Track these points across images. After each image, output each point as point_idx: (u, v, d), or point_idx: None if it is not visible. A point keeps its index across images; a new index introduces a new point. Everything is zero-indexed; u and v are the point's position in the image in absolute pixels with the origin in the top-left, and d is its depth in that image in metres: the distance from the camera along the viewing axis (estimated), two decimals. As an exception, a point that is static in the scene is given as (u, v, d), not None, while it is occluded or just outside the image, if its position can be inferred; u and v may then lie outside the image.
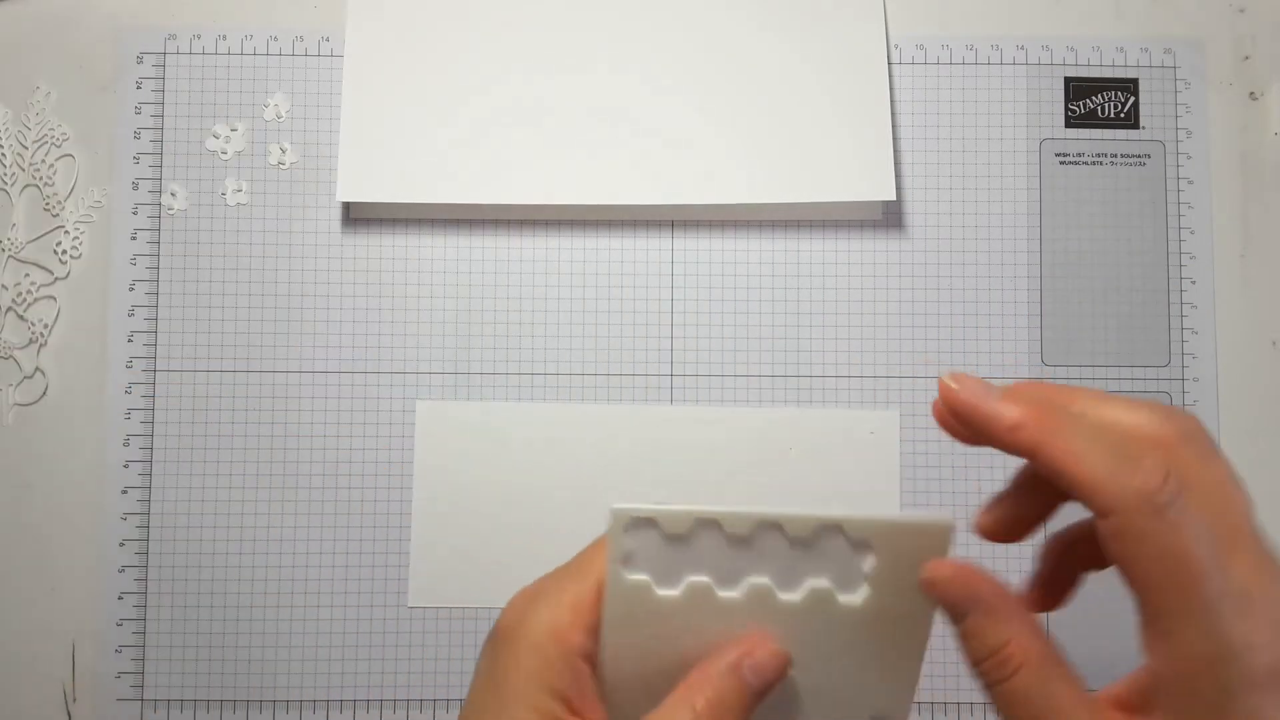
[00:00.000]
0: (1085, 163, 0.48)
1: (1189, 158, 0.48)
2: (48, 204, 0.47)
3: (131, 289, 0.47)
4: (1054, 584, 0.27)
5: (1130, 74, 0.48)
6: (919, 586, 0.25)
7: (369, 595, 0.46)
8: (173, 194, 0.47)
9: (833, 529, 0.25)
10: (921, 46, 0.48)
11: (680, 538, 0.25)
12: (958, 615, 0.25)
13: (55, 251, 0.47)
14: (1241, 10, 0.49)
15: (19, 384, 0.47)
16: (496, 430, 0.46)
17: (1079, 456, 0.23)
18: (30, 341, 0.47)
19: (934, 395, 0.48)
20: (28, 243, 0.47)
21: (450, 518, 0.46)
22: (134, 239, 0.47)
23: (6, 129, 0.48)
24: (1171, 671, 0.22)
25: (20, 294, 0.47)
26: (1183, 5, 0.49)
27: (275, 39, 0.48)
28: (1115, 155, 0.48)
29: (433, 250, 0.47)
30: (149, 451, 0.46)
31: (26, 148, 0.48)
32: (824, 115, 0.46)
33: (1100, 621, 0.42)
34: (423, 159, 0.46)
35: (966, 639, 0.25)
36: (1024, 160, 0.48)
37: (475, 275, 0.47)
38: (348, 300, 0.47)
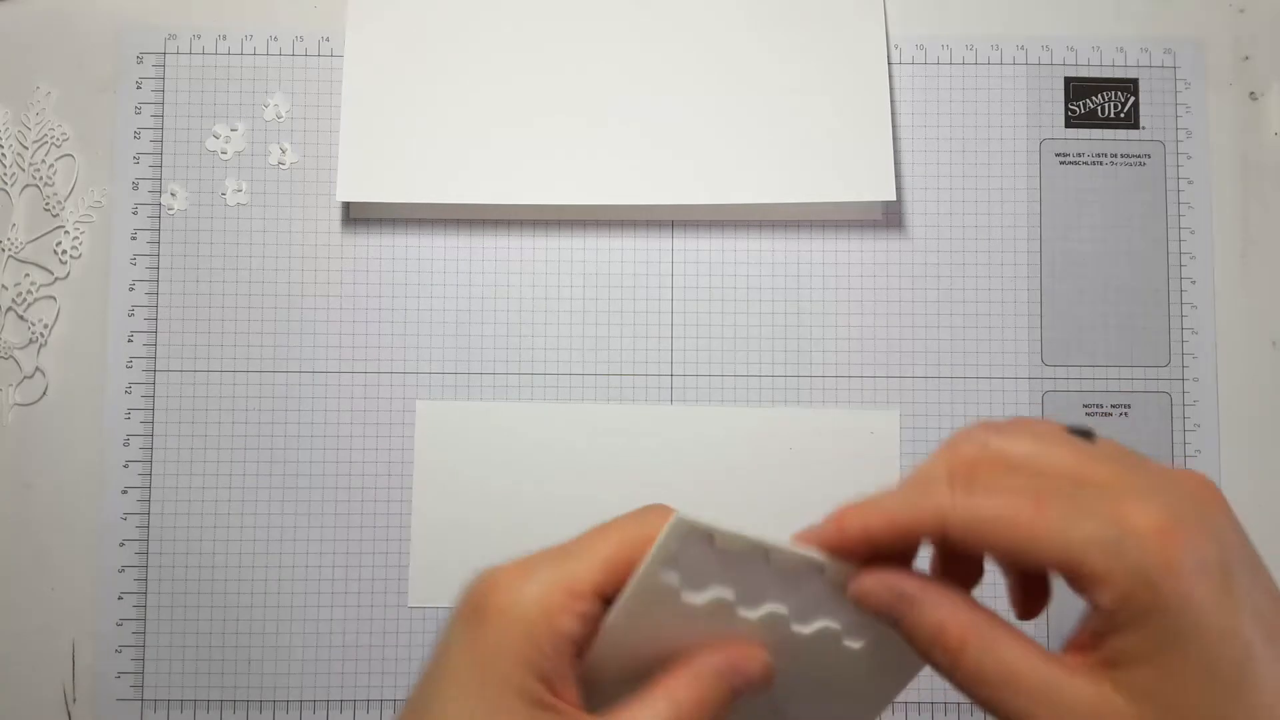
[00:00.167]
0: (1085, 163, 0.48)
1: (1189, 158, 0.48)
2: (48, 204, 0.47)
3: (131, 289, 0.47)
4: (1026, 591, 0.28)
5: (1130, 74, 0.48)
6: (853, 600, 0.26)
7: (369, 595, 0.46)
8: (173, 194, 0.47)
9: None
10: (921, 46, 0.48)
11: (726, 554, 0.25)
12: (895, 619, 0.25)
13: (55, 251, 0.47)
14: (1241, 10, 0.49)
15: (19, 384, 0.47)
16: (496, 430, 0.46)
17: (1026, 528, 0.23)
18: (30, 341, 0.47)
19: (934, 395, 0.48)
20: (28, 243, 0.47)
21: (450, 518, 0.46)
22: (134, 239, 0.47)
23: (6, 129, 0.48)
24: (1112, 604, 0.22)
25: (20, 294, 0.47)
26: (1183, 5, 0.49)
27: (275, 39, 0.48)
28: (1115, 155, 0.48)
29: (433, 250, 0.47)
30: (149, 451, 0.46)
31: (26, 148, 0.48)
32: (824, 115, 0.46)
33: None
34: (423, 159, 0.46)
35: (911, 639, 0.25)
36: (1024, 160, 0.48)
37: (475, 275, 0.47)
38: (348, 300, 0.47)
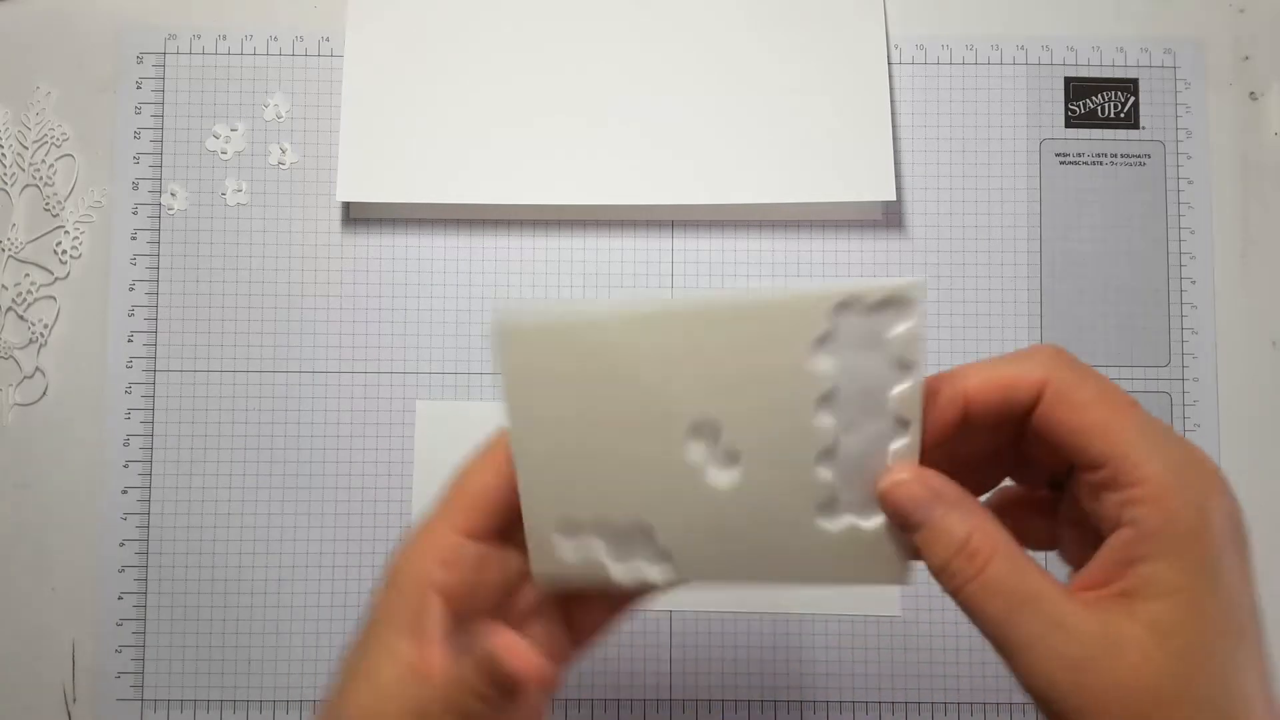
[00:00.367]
0: (1085, 163, 0.48)
1: (1189, 158, 0.48)
2: (48, 204, 0.47)
3: (131, 289, 0.47)
4: (1074, 538, 0.28)
5: (1130, 74, 0.48)
6: (875, 497, 0.27)
7: (369, 595, 0.46)
8: (173, 194, 0.47)
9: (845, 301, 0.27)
10: (921, 46, 0.48)
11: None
12: (916, 522, 0.26)
13: (55, 251, 0.47)
14: (1241, 10, 0.49)
15: (19, 384, 0.47)
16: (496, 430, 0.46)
17: (995, 368, 0.26)
18: (30, 341, 0.47)
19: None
20: (28, 243, 0.47)
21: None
22: (134, 239, 0.47)
23: (6, 129, 0.48)
24: (1144, 513, 0.23)
25: (20, 294, 0.47)
26: (1183, 5, 0.49)
27: (275, 39, 0.48)
28: (1115, 155, 0.48)
29: (433, 250, 0.47)
30: (149, 451, 0.46)
31: (26, 148, 0.48)
32: (824, 115, 0.46)
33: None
34: (423, 159, 0.46)
35: (931, 542, 0.25)
36: (1024, 160, 0.48)
37: (475, 275, 0.47)
38: (348, 300, 0.47)
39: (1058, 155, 0.48)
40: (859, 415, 0.27)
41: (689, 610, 0.46)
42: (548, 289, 0.47)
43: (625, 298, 0.27)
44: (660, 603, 0.38)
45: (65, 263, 0.47)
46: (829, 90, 0.47)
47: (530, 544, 0.28)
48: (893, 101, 0.48)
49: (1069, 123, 0.48)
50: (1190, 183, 0.48)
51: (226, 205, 0.47)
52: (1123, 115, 0.48)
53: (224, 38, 0.48)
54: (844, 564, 0.28)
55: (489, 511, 0.28)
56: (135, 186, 0.47)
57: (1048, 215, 0.48)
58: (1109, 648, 0.23)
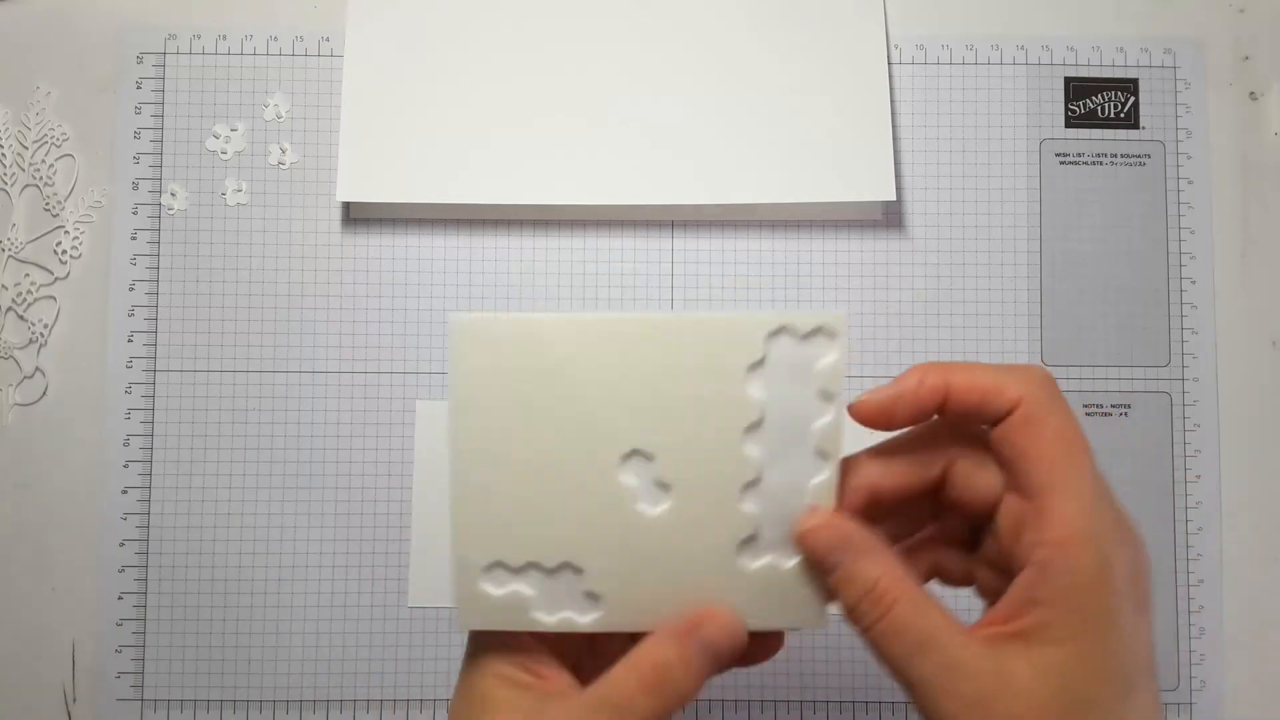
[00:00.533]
0: (1085, 163, 0.48)
1: (1189, 158, 0.48)
2: (48, 204, 0.47)
3: (131, 289, 0.47)
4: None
5: (1130, 74, 0.48)
6: (791, 538, 0.28)
7: (369, 595, 0.46)
8: (173, 194, 0.47)
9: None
10: (921, 46, 0.48)
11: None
12: (830, 565, 0.27)
13: (55, 251, 0.47)
14: (1241, 10, 0.49)
15: (19, 384, 0.47)
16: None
17: (982, 373, 0.27)
18: (30, 341, 0.47)
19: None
20: (28, 243, 0.47)
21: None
22: (134, 239, 0.47)
23: (6, 129, 0.48)
24: (1052, 555, 0.25)
25: (20, 294, 0.47)
26: (1183, 5, 0.49)
27: (275, 39, 0.48)
28: (1115, 155, 0.48)
29: (433, 250, 0.47)
30: (149, 451, 0.46)
31: (26, 148, 0.48)
32: (824, 115, 0.46)
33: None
34: (422, 159, 0.46)
35: (842, 586, 0.27)
36: (1024, 160, 0.48)
37: (475, 275, 0.47)
38: (348, 300, 0.47)
39: (1058, 155, 0.48)
40: (783, 447, 0.28)
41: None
42: (548, 289, 0.47)
43: (578, 312, 0.28)
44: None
45: (65, 263, 0.47)
46: (829, 90, 0.47)
47: (457, 594, 0.29)
48: (893, 101, 0.48)
49: (1069, 123, 0.48)
50: (1190, 183, 0.48)
51: (226, 205, 0.47)
52: (1123, 115, 0.48)
53: (224, 38, 0.48)
54: (764, 604, 0.29)
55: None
56: (135, 186, 0.47)
57: (1048, 215, 0.48)
58: (1001, 687, 0.24)
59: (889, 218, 0.48)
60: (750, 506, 0.28)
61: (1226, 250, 0.48)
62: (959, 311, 0.47)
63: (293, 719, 0.45)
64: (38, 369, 0.47)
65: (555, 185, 0.46)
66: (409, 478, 0.46)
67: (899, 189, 0.47)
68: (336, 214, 0.47)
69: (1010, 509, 0.27)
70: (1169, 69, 0.48)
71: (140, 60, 0.48)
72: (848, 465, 0.28)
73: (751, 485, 0.28)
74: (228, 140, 0.48)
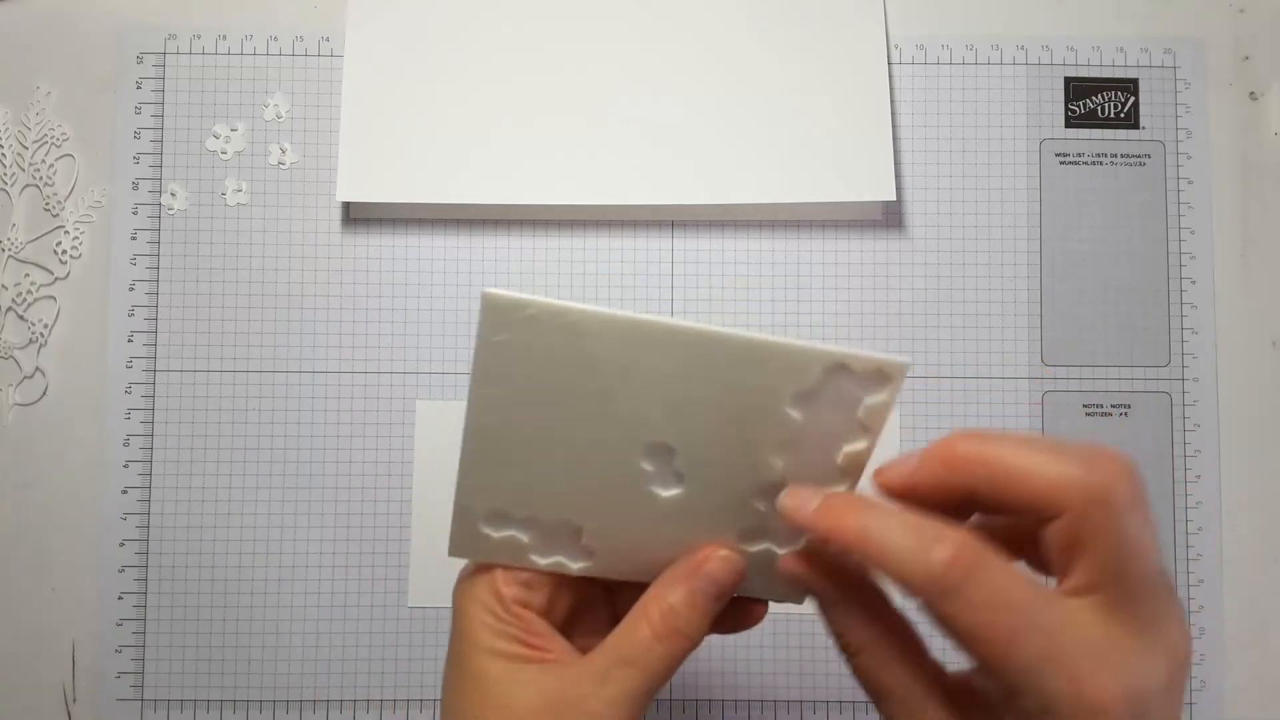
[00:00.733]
0: (1085, 163, 0.48)
1: (1189, 158, 0.48)
2: (48, 204, 0.47)
3: (131, 289, 0.47)
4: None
5: (1130, 74, 0.48)
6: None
7: (369, 595, 0.46)
8: (173, 194, 0.47)
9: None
10: (921, 46, 0.48)
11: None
12: (812, 597, 0.28)
13: (55, 251, 0.47)
14: (1241, 10, 0.49)
15: (19, 384, 0.47)
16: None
17: (1030, 464, 0.24)
18: (30, 341, 0.47)
19: (934, 395, 0.48)
20: (28, 243, 0.47)
21: (450, 518, 0.46)
22: (134, 239, 0.47)
23: (6, 129, 0.48)
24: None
25: (20, 294, 0.47)
26: (1183, 5, 0.49)
27: (275, 39, 0.48)
28: (1115, 155, 0.48)
29: (433, 250, 0.47)
30: (149, 451, 0.46)
31: (26, 148, 0.48)
32: (824, 115, 0.46)
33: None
34: (422, 159, 0.46)
35: (829, 622, 0.28)
36: (1024, 160, 0.48)
37: (475, 275, 0.47)
38: (348, 300, 0.47)
39: (1058, 155, 0.48)
40: (809, 463, 0.28)
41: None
42: (548, 289, 0.47)
43: (620, 308, 0.27)
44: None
45: (65, 263, 0.47)
46: (829, 90, 0.47)
47: (454, 527, 0.29)
48: (893, 101, 0.48)
49: (1069, 123, 0.48)
50: (1190, 183, 0.48)
51: (226, 205, 0.47)
52: (1123, 115, 0.48)
53: (224, 38, 0.48)
54: (754, 579, 0.29)
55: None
56: (135, 186, 0.47)
57: (1048, 215, 0.48)
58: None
59: (889, 218, 0.48)
60: (763, 505, 0.28)
61: (1226, 250, 0.48)
62: (959, 311, 0.47)
63: (293, 719, 0.45)
64: (38, 369, 0.47)
65: (555, 185, 0.46)
66: (409, 478, 0.46)
67: (899, 189, 0.47)
68: (336, 214, 0.47)
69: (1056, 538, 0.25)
70: (1169, 69, 0.48)
71: (140, 60, 0.48)
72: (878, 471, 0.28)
73: (769, 488, 0.28)
74: (228, 140, 0.48)
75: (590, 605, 0.32)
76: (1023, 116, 0.48)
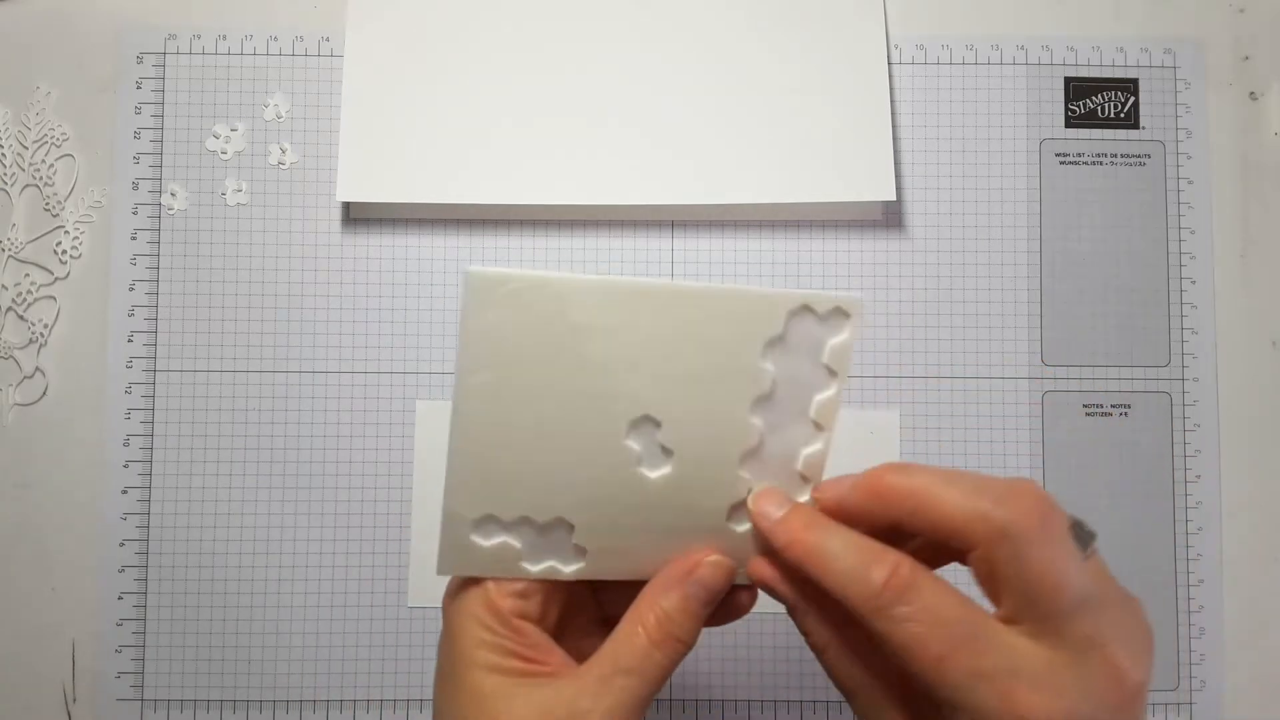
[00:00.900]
0: (1085, 163, 0.48)
1: (1189, 158, 0.48)
2: (48, 204, 0.47)
3: (131, 289, 0.47)
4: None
5: (1130, 74, 0.48)
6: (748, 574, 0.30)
7: (369, 595, 0.46)
8: (173, 194, 0.47)
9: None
10: (921, 46, 0.48)
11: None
12: (785, 604, 0.30)
13: (55, 251, 0.47)
14: (1241, 10, 0.49)
15: (19, 384, 0.47)
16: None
17: (951, 502, 0.26)
18: (30, 341, 0.47)
19: (934, 395, 0.48)
20: (28, 243, 0.47)
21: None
22: (134, 239, 0.47)
23: (6, 129, 0.48)
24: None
25: (20, 294, 0.47)
26: (1183, 5, 0.49)
27: (275, 39, 0.48)
28: (1115, 155, 0.48)
29: (433, 250, 0.47)
30: (149, 451, 0.46)
31: (26, 148, 0.48)
32: (824, 115, 0.46)
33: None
34: (422, 159, 0.46)
35: (802, 626, 0.29)
36: (1024, 160, 0.48)
37: (475, 275, 0.47)
38: (348, 300, 0.47)
39: (1058, 155, 0.48)
40: (786, 417, 0.29)
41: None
42: (548, 289, 0.47)
43: (597, 274, 0.28)
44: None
45: (65, 263, 0.47)
46: (829, 90, 0.47)
47: (443, 540, 0.29)
48: (893, 101, 0.48)
49: (1069, 123, 0.48)
50: (1190, 183, 0.48)
51: (226, 205, 0.47)
52: (1123, 115, 0.48)
53: (224, 38, 0.48)
54: (740, 558, 0.30)
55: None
56: (135, 186, 0.47)
57: (1048, 215, 0.48)
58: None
59: (889, 218, 0.48)
60: (747, 473, 0.29)
61: (1226, 250, 0.48)
62: (959, 311, 0.47)
63: (293, 719, 0.45)
64: (38, 369, 0.47)
65: (555, 185, 0.46)
66: (409, 478, 0.46)
67: (899, 189, 0.47)
68: (336, 214, 0.47)
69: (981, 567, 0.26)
70: (1169, 69, 0.48)
71: (140, 60, 0.48)
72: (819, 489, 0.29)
73: (751, 452, 0.29)
74: (228, 140, 0.48)
75: (580, 608, 0.32)
76: (1023, 116, 0.48)
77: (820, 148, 0.46)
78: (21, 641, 0.46)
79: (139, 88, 0.48)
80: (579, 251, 0.47)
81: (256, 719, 0.45)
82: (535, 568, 0.29)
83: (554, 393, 0.28)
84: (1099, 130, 0.48)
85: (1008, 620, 0.25)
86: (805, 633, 0.29)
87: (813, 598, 0.28)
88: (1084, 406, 0.47)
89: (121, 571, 0.46)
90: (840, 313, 0.29)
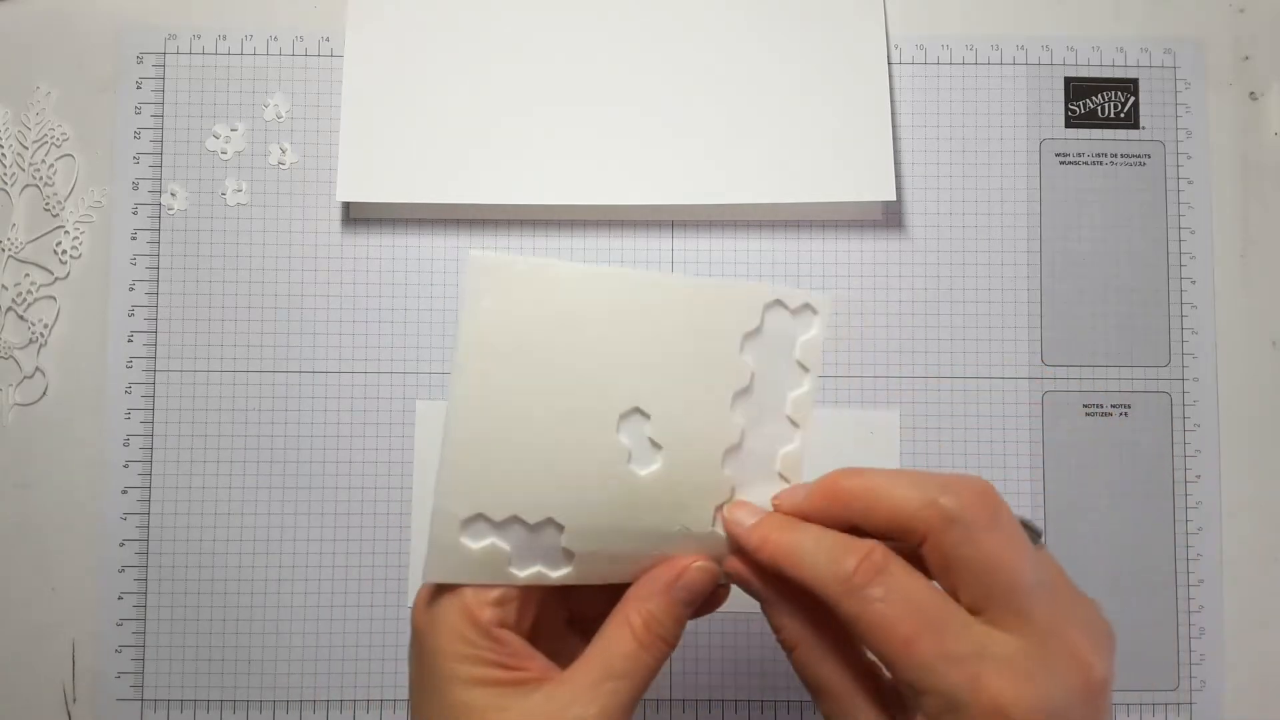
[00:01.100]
0: (1085, 163, 0.48)
1: (1189, 158, 0.48)
2: (48, 204, 0.47)
3: (131, 289, 0.47)
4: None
5: (1130, 74, 0.48)
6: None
7: (369, 595, 0.46)
8: (173, 194, 0.47)
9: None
10: (921, 46, 0.48)
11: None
12: (757, 597, 0.30)
13: (55, 251, 0.47)
14: (1241, 10, 0.49)
15: (19, 384, 0.47)
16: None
17: (901, 496, 0.27)
18: (30, 341, 0.47)
19: (934, 395, 0.48)
20: (28, 243, 0.47)
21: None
22: (134, 239, 0.47)
23: (6, 129, 0.48)
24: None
25: (20, 294, 0.47)
26: (1183, 5, 0.49)
27: (275, 39, 0.48)
28: (1115, 155, 0.48)
29: (433, 250, 0.47)
30: (149, 451, 0.46)
31: (26, 148, 0.48)
32: (824, 115, 0.46)
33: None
34: (422, 159, 0.46)
35: (772, 623, 0.30)
36: (1024, 160, 0.48)
37: (475, 275, 0.47)
38: (348, 300, 0.47)
39: (1058, 155, 0.48)
40: (764, 414, 0.30)
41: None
42: (548, 289, 0.47)
43: (596, 265, 0.30)
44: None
45: (65, 263, 0.47)
46: (829, 90, 0.47)
47: (433, 544, 0.29)
48: (893, 101, 0.48)
49: (1069, 123, 0.48)
50: (1190, 183, 0.48)
51: (226, 205, 0.47)
52: (1123, 115, 0.48)
53: (224, 38, 0.48)
54: (718, 557, 0.30)
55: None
56: (135, 186, 0.47)
57: (1048, 215, 0.48)
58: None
59: (889, 218, 0.48)
60: (729, 470, 0.30)
61: (1226, 250, 0.48)
62: (959, 311, 0.47)
63: (293, 719, 0.45)
64: (38, 369, 0.47)
65: (555, 185, 0.46)
66: (409, 478, 0.46)
67: (899, 189, 0.47)
68: (336, 214, 0.47)
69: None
70: (1169, 69, 0.48)
71: (140, 60, 0.48)
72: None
73: (733, 450, 0.30)
74: (228, 140, 0.48)
75: (552, 610, 0.32)
76: (1023, 116, 0.48)
77: (820, 148, 0.46)
78: (21, 641, 0.46)
79: (139, 88, 0.48)
80: (579, 251, 0.47)
81: (256, 719, 0.45)
82: (523, 573, 0.29)
83: (550, 386, 0.28)
84: (1099, 130, 0.48)
85: (971, 611, 0.26)
86: (777, 629, 0.30)
87: (786, 594, 0.29)
88: (1084, 406, 0.47)
89: (121, 571, 0.46)
90: (809, 309, 0.30)
